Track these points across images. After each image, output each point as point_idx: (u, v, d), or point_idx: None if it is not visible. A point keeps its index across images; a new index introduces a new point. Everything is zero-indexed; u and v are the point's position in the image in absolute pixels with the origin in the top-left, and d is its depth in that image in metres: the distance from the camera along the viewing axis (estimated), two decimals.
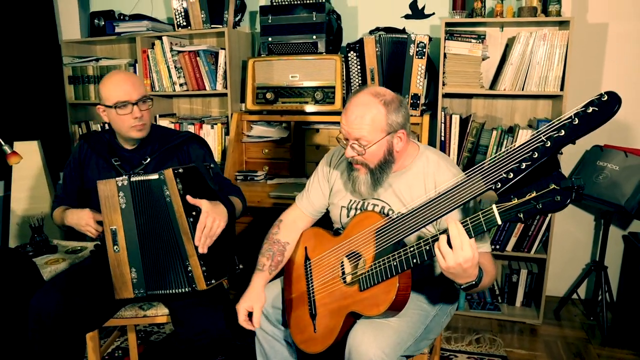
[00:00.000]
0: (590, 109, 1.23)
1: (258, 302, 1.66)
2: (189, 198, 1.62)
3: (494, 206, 1.21)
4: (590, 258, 2.97)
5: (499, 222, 1.20)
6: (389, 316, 1.48)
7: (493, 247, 2.65)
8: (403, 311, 1.47)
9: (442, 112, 2.64)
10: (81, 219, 1.75)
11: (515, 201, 1.17)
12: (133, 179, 1.66)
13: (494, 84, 2.73)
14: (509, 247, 2.68)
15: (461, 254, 1.24)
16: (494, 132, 2.61)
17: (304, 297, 1.68)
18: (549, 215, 2.58)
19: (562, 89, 2.48)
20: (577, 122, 1.25)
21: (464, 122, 2.65)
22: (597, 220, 2.92)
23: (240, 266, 1.76)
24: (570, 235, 2.96)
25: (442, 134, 2.65)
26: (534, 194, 1.15)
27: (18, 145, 2.91)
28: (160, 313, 1.86)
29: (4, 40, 3.07)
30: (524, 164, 1.28)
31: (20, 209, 2.99)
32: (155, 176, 1.65)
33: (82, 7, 3.32)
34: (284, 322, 1.74)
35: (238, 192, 1.96)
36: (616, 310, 2.66)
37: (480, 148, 2.65)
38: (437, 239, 1.28)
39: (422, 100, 2.61)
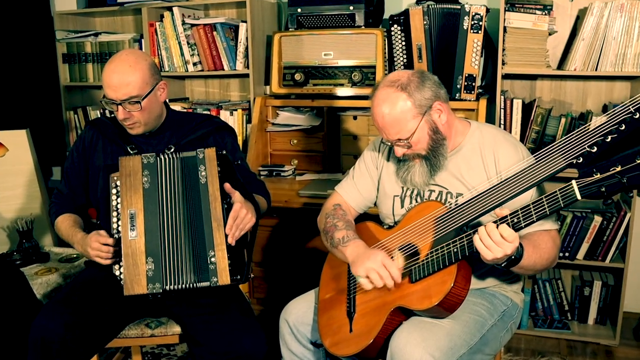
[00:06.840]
0: None
1: (380, 253, 1.53)
2: (226, 185, 1.66)
3: (573, 181, 1.26)
4: None
5: (579, 197, 1.25)
6: (440, 315, 1.47)
7: (561, 254, 2.52)
8: (458, 313, 1.47)
9: (502, 96, 2.54)
10: (86, 245, 1.71)
11: (598, 176, 1.22)
12: (164, 155, 1.69)
13: (562, 63, 2.62)
14: (580, 255, 2.56)
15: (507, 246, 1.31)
16: (563, 120, 2.51)
17: (342, 295, 1.67)
18: (628, 216, 2.42)
19: None
20: None
21: (527, 108, 2.55)
22: None
23: (251, 275, 1.75)
24: None
25: (502, 122, 2.56)
26: (618, 168, 1.19)
27: (4, 135, 2.80)
28: (170, 332, 1.79)
29: None
30: (609, 137, 1.31)
31: (6, 209, 2.90)
32: (192, 153, 1.68)
33: None
34: (312, 341, 1.72)
35: (263, 189, 1.97)
36: None
37: (547, 138, 2.53)
38: (507, 220, 1.34)
39: (478, 82, 2.53)
